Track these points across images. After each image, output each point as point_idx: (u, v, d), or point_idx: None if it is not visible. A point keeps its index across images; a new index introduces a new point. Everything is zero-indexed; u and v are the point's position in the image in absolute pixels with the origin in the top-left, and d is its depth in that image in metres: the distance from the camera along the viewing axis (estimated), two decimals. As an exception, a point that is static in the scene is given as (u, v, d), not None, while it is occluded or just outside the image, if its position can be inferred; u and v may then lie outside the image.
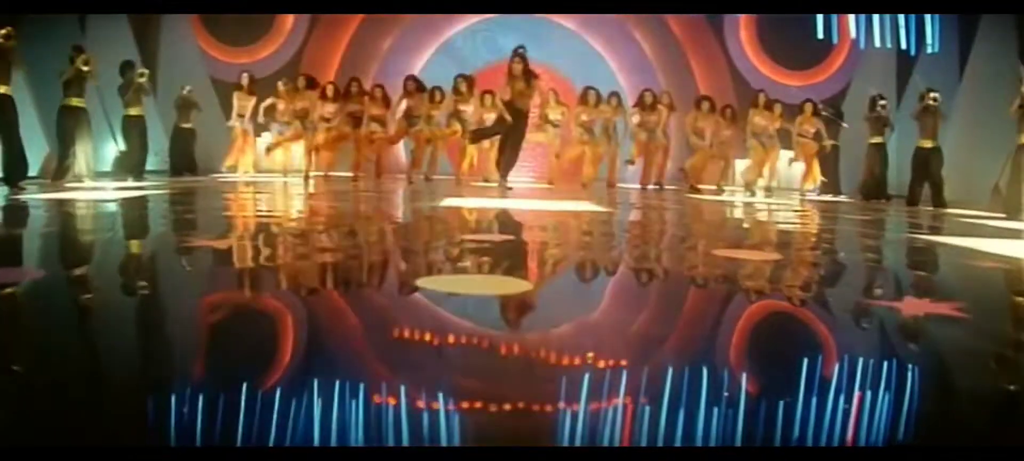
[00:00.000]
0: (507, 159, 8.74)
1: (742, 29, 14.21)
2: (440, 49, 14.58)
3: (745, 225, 5.33)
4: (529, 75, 8.33)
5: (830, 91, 13.04)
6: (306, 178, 10.00)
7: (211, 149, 11.84)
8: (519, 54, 8.35)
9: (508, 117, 8.40)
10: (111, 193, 6.49)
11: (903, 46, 12.48)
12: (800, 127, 10.50)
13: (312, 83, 10.48)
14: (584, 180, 10.71)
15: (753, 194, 10.14)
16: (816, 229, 5.41)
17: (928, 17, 12.08)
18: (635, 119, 10.87)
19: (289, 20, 14.21)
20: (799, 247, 4.04)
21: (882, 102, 10.17)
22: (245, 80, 11.16)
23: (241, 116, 11.04)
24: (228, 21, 13.57)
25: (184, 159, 11.14)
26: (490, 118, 10.04)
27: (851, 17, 13.21)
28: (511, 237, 3.81)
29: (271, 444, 1.11)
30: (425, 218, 4.92)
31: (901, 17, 12.44)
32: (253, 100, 10.95)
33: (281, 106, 10.57)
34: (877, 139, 10.16)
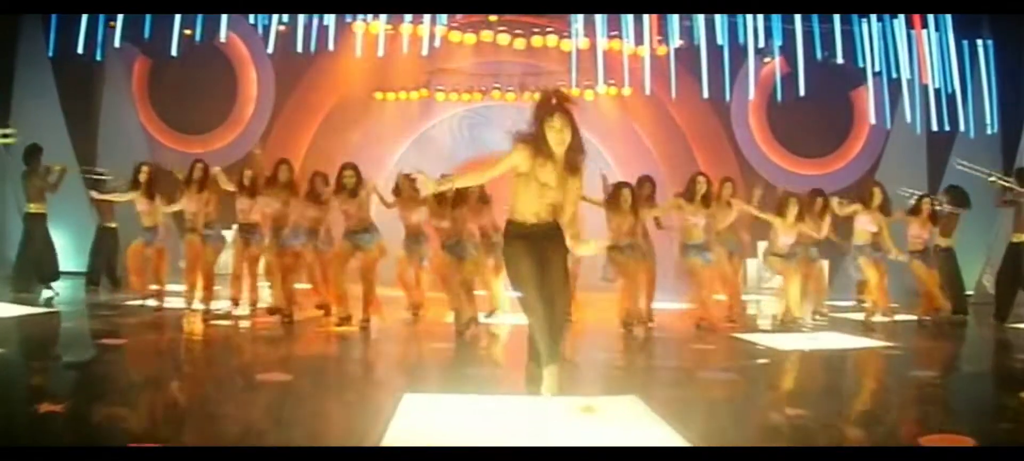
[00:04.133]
0: (558, 316, 3.72)
1: (751, 115, 13.33)
2: (416, 142, 13.46)
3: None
4: (578, 151, 3.69)
5: (849, 179, 12.08)
6: (204, 316, 6.94)
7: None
8: (560, 94, 3.68)
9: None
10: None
11: (961, 128, 11.28)
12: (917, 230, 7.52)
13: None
14: (626, 318, 6.67)
15: (873, 328, 7.04)
16: None
17: (986, 97, 10.97)
18: (693, 219, 6.96)
19: (249, 109, 13.22)
20: None
21: (938, 198, 7.95)
22: (143, 176, 7.77)
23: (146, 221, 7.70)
24: (181, 106, 12.57)
25: (107, 266, 9.16)
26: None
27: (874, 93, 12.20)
28: None
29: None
30: None
31: (958, 98, 11.24)
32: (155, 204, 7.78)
33: (190, 207, 7.48)
34: (945, 242, 7.78)
